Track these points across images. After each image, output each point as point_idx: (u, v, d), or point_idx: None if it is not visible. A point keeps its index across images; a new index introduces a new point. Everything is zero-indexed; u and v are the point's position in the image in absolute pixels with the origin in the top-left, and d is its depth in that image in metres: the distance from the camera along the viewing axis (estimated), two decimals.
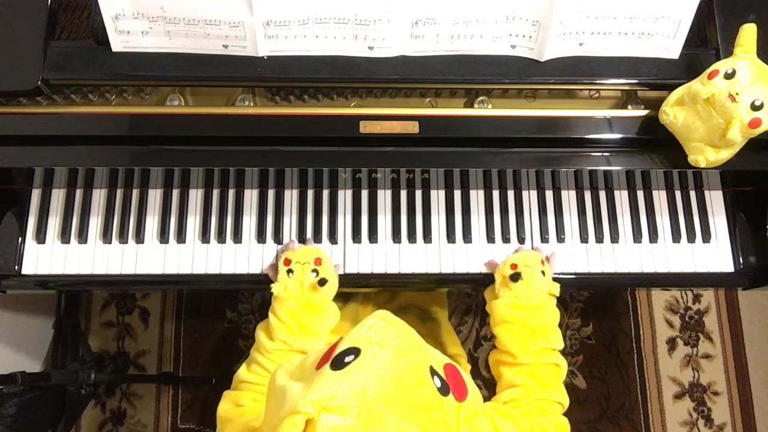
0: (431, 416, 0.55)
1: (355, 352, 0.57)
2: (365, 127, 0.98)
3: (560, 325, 0.97)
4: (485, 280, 1.09)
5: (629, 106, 1.04)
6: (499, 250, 1.10)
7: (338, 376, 0.54)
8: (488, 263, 1.08)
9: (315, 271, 0.97)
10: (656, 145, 1.00)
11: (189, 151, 1.00)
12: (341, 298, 1.28)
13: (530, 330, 0.93)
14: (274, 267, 1.05)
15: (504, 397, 0.90)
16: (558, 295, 0.98)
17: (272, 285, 0.97)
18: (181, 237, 1.09)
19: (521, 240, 1.11)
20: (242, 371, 0.92)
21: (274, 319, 0.94)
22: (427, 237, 1.10)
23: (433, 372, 0.59)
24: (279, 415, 0.55)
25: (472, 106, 1.04)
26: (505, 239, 1.11)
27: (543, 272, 0.98)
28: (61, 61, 0.96)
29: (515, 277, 0.95)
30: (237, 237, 1.10)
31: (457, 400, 0.58)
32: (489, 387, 1.10)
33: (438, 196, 1.13)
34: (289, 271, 0.97)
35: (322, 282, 0.95)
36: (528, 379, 0.90)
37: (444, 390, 0.58)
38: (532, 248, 1.10)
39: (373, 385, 0.54)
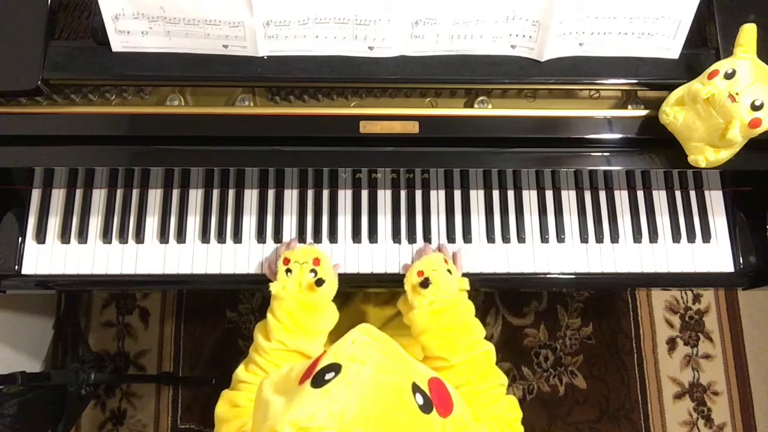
0: None
1: (336, 368, 0.56)
2: (365, 127, 0.98)
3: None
4: (485, 280, 1.09)
5: (629, 106, 1.04)
6: (499, 249, 1.11)
7: (318, 395, 0.54)
8: (403, 267, 1.08)
9: (313, 271, 0.97)
10: (656, 145, 1.00)
11: (189, 151, 1.00)
12: (341, 298, 1.28)
13: (453, 330, 0.93)
14: (270, 265, 1.05)
15: None
16: (468, 288, 0.98)
17: (270, 284, 0.97)
18: (181, 237, 1.09)
19: (521, 240, 1.11)
20: (240, 371, 0.93)
21: (271, 318, 0.94)
22: (427, 237, 1.10)
23: (416, 389, 0.58)
24: (261, 430, 0.55)
25: (472, 106, 1.04)
26: (505, 239, 1.11)
27: (449, 271, 0.98)
28: (61, 61, 0.96)
29: (425, 283, 0.94)
30: (237, 237, 1.10)
31: (441, 416, 0.58)
32: None
33: (438, 196, 1.13)
34: (288, 270, 0.97)
35: (320, 282, 0.94)
36: (467, 376, 0.90)
37: (427, 407, 0.57)
38: (533, 249, 1.10)
39: (352, 405, 0.53)
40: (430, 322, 0.94)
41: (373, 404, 0.54)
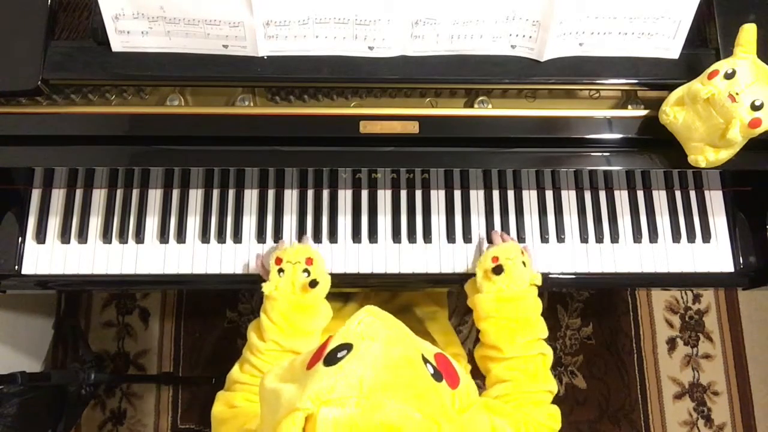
0: (429, 400, 0.56)
1: (347, 347, 0.57)
2: (365, 127, 0.98)
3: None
4: None
5: (629, 106, 1.03)
6: None
7: (333, 371, 0.55)
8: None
9: (306, 270, 0.96)
10: (656, 145, 1.00)
11: (189, 151, 1.00)
12: (341, 298, 1.28)
13: (515, 322, 0.93)
14: (264, 264, 1.05)
15: (494, 393, 0.90)
16: (540, 284, 0.98)
17: (263, 284, 0.96)
18: (181, 237, 1.09)
19: (521, 240, 1.11)
20: (235, 371, 0.92)
21: (265, 319, 0.93)
22: (427, 237, 1.10)
23: (425, 360, 0.59)
24: (276, 417, 0.55)
25: (472, 106, 1.04)
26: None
27: (524, 263, 0.98)
28: (61, 61, 0.96)
29: (498, 269, 0.94)
30: (237, 237, 1.10)
31: (450, 387, 0.59)
32: None
33: (438, 196, 1.13)
34: (280, 270, 0.96)
35: (314, 284, 0.94)
36: (517, 373, 0.90)
37: (437, 377, 0.58)
38: (533, 249, 1.10)
39: (368, 375, 0.54)
40: (494, 309, 0.93)
41: (388, 372, 0.55)
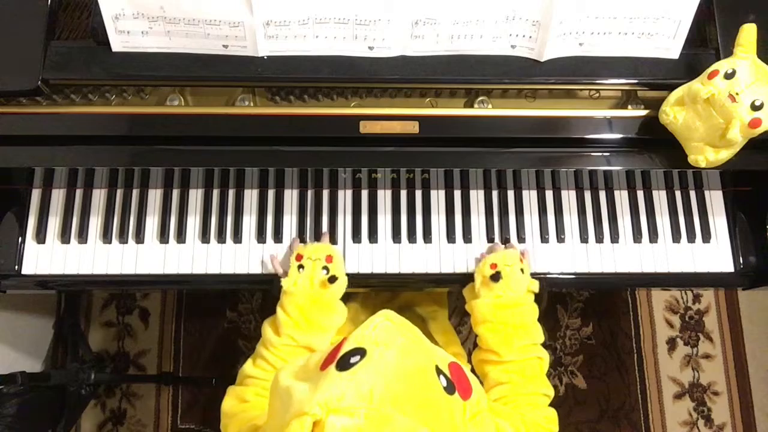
0: (439, 415, 0.55)
1: (360, 352, 0.57)
2: (365, 127, 0.98)
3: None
4: None
5: (629, 106, 1.04)
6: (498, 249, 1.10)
7: (345, 377, 0.54)
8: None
9: (325, 268, 0.98)
10: (656, 145, 1.00)
11: (189, 151, 1.00)
12: (341, 298, 1.28)
13: (512, 327, 0.93)
14: (282, 262, 1.05)
15: (492, 396, 0.90)
16: (537, 291, 0.98)
17: (282, 279, 0.97)
18: (181, 237, 1.09)
19: (521, 240, 1.11)
20: (248, 366, 0.93)
21: (281, 313, 0.94)
22: (427, 237, 1.10)
23: (439, 371, 0.59)
24: (285, 417, 0.55)
25: (472, 106, 1.04)
26: (505, 239, 1.11)
27: (522, 270, 0.98)
28: (61, 61, 0.96)
29: (496, 276, 0.95)
30: (237, 237, 1.10)
31: (462, 398, 0.59)
32: None
33: (438, 196, 1.13)
34: (300, 266, 0.98)
35: (332, 279, 0.95)
36: (514, 376, 0.90)
37: (450, 389, 0.58)
38: (533, 249, 1.10)
39: (380, 385, 0.54)
40: (491, 314, 0.94)
41: (400, 384, 0.55)
